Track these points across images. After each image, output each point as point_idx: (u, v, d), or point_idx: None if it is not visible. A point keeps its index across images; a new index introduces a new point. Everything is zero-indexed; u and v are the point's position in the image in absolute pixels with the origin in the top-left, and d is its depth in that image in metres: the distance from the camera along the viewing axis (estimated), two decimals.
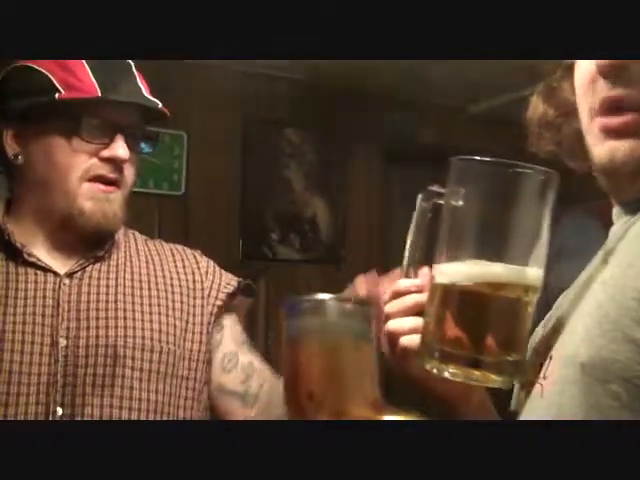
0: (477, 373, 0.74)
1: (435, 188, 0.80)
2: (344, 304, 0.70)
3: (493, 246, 0.73)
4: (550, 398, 0.76)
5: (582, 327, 0.75)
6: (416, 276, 0.86)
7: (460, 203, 0.74)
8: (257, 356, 1.44)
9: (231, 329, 1.42)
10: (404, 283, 0.87)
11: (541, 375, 0.80)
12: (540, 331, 0.87)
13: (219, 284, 1.43)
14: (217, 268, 1.45)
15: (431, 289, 0.78)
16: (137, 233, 1.46)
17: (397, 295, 0.88)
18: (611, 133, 0.78)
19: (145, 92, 1.34)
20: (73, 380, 1.25)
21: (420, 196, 0.82)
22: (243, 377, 1.40)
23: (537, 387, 0.80)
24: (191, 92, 3.13)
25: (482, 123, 3.72)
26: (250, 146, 3.47)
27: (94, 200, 1.30)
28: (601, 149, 0.79)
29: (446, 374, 0.74)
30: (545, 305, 0.88)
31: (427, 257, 0.81)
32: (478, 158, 0.73)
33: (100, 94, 1.28)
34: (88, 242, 1.35)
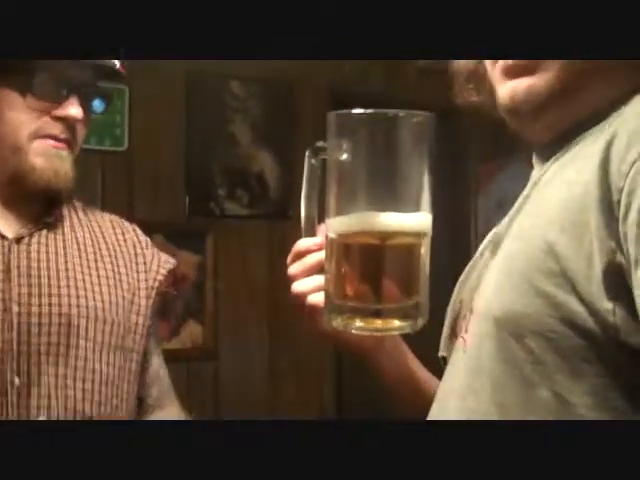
0: (380, 322, 0.75)
1: (321, 144, 0.79)
2: None
3: (380, 195, 0.74)
4: (470, 352, 0.77)
5: (494, 280, 0.75)
6: (315, 234, 0.86)
7: (344, 157, 0.74)
8: (161, 358, 1.45)
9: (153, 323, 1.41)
10: (303, 243, 0.88)
11: (463, 328, 0.81)
12: (467, 282, 0.87)
13: (159, 260, 1.42)
14: (153, 245, 1.45)
15: (326, 245, 0.78)
16: (76, 202, 1.43)
17: (298, 256, 0.88)
18: (510, 73, 0.80)
19: None
20: (27, 348, 1.22)
21: (307, 153, 0.82)
22: (148, 381, 1.40)
23: (460, 340, 0.81)
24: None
25: (430, 75, 3.70)
26: (194, 100, 3.40)
27: (45, 156, 1.26)
28: (503, 90, 0.81)
29: (353, 330, 0.75)
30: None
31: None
32: (354, 111, 0.73)
33: None
34: (37, 204, 1.32)
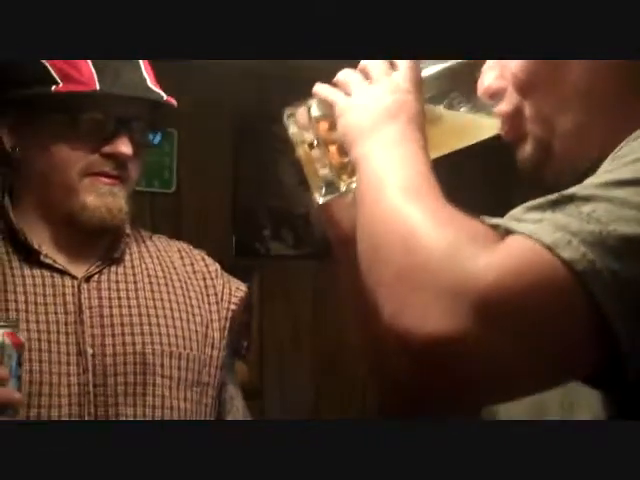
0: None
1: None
2: None
3: None
4: None
5: None
6: None
7: None
8: (237, 386, 1.43)
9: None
10: None
11: None
12: None
13: (230, 288, 1.38)
14: (223, 272, 1.41)
15: None
16: (141, 229, 1.40)
17: None
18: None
19: (150, 82, 1.26)
20: (104, 390, 1.20)
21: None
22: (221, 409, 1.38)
23: None
24: (181, 89, 3.10)
25: None
26: (241, 143, 3.46)
27: (96, 194, 1.23)
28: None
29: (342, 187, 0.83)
30: None
31: None
32: None
33: (98, 87, 1.20)
34: (102, 240, 1.29)
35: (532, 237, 0.59)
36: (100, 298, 1.25)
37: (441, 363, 0.58)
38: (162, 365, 1.24)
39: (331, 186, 0.83)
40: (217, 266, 1.41)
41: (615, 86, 0.75)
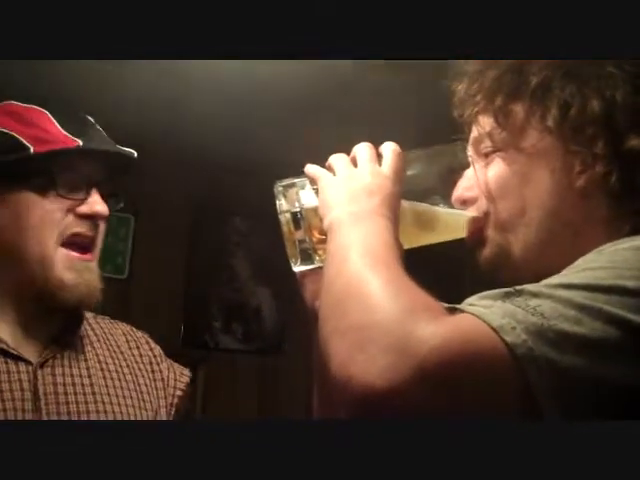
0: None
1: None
2: None
3: None
4: None
5: None
6: None
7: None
8: None
9: None
10: None
11: None
12: None
13: (175, 372, 1.34)
14: (166, 356, 1.38)
15: None
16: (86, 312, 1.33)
17: None
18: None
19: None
20: None
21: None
22: None
23: None
24: (141, 176, 3.13)
25: None
26: (197, 232, 3.46)
27: (74, 270, 1.18)
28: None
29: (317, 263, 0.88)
30: None
31: None
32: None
33: (81, 143, 1.17)
34: (57, 321, 1.23)
35: (481, 317, 0.64)
36: (55, 384, 1.18)
37: (377, 408, 0.63)
38: None
39: (307, 258, 0.90)
40: (160, 350, 1.37)
41: (579, 213, 0.81)
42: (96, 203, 1.19)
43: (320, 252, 0.89)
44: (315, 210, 0.86)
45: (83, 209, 1.19)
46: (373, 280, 0.70)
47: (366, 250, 0.74)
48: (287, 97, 2.82)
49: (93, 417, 1.19)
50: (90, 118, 1.26)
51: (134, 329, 1.39)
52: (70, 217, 1.19)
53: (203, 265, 3.46)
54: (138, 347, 1.34)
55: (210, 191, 3.47)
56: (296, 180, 0.91)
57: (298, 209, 0.89)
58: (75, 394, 1.19)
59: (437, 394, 0.61)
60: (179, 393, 1.33)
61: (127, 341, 1.34)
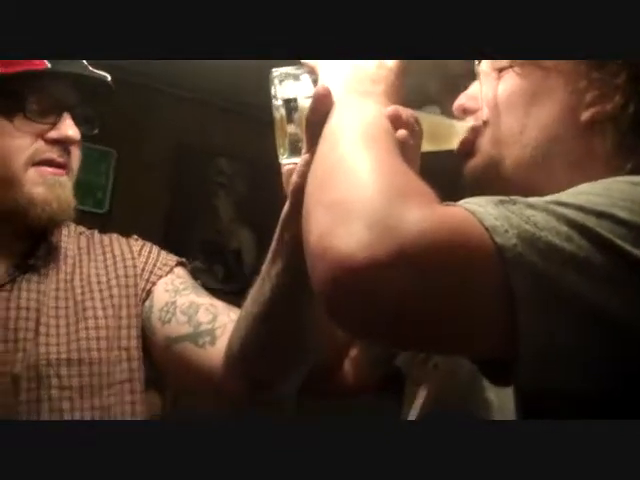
0: None
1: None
2: None
3: None
4: None
5: None
6: None
7: None
8: (201, 294, 1.31)
9: (162, 286, 1.26)
10: None
11: None
12: None
13: (154, 264, 1.28)
14: (155, 248, 1.31)
15: None
16: (72, 226, 1.29)
17: None
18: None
19: (91, 68, 1.20)
20: (5, 411, 1.10)
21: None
22: (185, 319, 1.23)
23: None
24: (125, 112, 3.07)
25: None
26: (181, 171, 3.42)
27: (45, 185, 1.14)
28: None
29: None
30: None
31: None
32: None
33: (50, 66, 1.13)
34: (22, 242, 1.20)
35: (475, 214, 0.63)
36: (7, 309, 1.15)
37: (353, 281, 0.60)
38: (58, 376, 1.13)
39: (295, 152, 0.85)
40: (146, 244, 1.31)
41: (579, 145, 0.82)
42: (67, 127, 1.16)
43: None
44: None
45: (53, 134, 1.16)
46: (368, 158, 0.67)
47: (364, 131, 0.71)
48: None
49: (38, 341, 1.14)
50: None
51: (120, 236, 1.32)
52: (40, 142, 1.16)
53: (185, 203, 3.43)
54: (113, 251, 1.28)
55: (197, 129, 3.42)
56: (294, 70, 0.86)
57: (293, 100, 0.85)
58: (27, 319, 1.15)
59: (415, 277, 0.59)
60: (153, 278, 1.26)
61: (103, 249, 1.28)
